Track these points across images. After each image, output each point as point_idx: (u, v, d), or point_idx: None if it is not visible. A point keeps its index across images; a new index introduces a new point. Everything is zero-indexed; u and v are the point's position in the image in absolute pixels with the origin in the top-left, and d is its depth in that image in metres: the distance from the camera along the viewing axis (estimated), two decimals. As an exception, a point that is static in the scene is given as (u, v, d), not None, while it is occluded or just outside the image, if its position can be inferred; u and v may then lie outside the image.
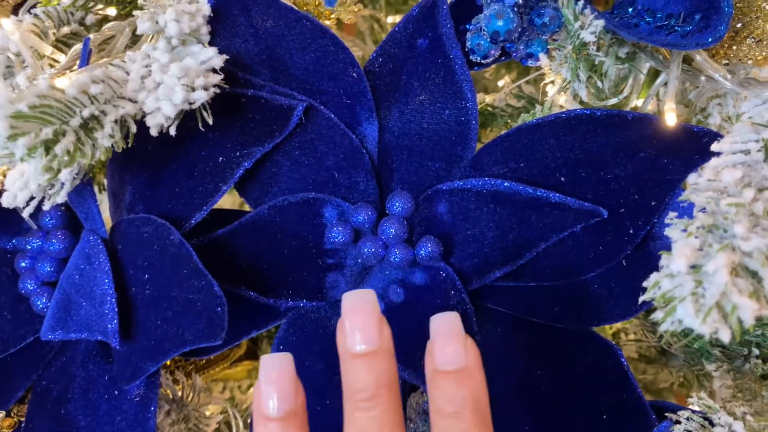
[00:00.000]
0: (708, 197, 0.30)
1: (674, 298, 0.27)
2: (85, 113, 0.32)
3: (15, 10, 0.48)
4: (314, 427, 0.41)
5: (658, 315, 0.28)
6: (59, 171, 0.31)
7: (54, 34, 0.43)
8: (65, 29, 0.44)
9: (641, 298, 0.29)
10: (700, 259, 0.28)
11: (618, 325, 0.58)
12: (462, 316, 0.41)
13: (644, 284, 0.29)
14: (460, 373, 0.33)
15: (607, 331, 0.58)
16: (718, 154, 0.34)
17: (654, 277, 0.29)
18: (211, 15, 0.42)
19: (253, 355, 0.61)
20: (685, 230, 0.29)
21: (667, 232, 0.30)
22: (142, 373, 0.39)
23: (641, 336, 0.55)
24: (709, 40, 0.35)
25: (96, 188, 0.47)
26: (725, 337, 0.26)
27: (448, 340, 0.33)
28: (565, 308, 0.41)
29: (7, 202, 0.36)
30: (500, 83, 0.63)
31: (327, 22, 0.52)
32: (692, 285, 0.27)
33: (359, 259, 0.44)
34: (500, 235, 0.42)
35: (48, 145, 0.30)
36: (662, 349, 0.54)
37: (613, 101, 0.42)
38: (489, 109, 0.53)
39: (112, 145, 0.35)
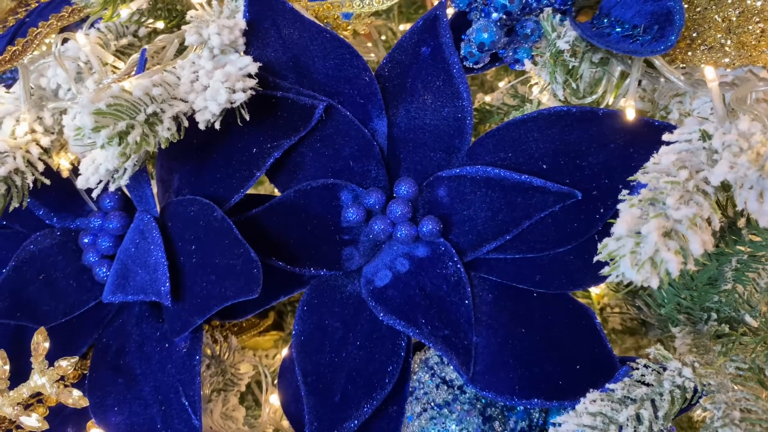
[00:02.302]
0: (652, 177, 0.37)
1: (618, 255, 0.34)
2: (149, 110, 0.40)
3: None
4: (332, 374, 0.49)
5: (605, 269, 0.35)
6: (129, 157, 0.39)
7: (114, 45, 0.51)
8: (123, 41, 0.52)
9: (596, 258, 0.36)
10: (639, 225, 0.35)
11: (605, 299, 0.65)
12: (457, 283, 0.49)
13: (599, 248, 0.36)
14: None
15: (594, 305, 0.65)
16: (668, 144, 0.41)
17: (605, 240, 0.36)
18: (246, 29, 0.50)
19: (278, 326, 0.69)
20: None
21: (619, 206, 0.37)
22: (190, 325, 0.46)
23: (624, 309, 0.62)
24: (661, 47, 0.42)
25: (147, 177, 0.55)
26: (654, 284, 0.33)
27: None
28: (545, 276, 0.48)
29: (81, 183, 0.44)
30: (501, 84, 0.70)
31: (344, 33, 0.60)
32: (632, 245, 0.34)
33: (371, 236, 0.51)
34: (491, 215, 0.49)
35: (122, 136, 0.38)
36: (642, 321, 0.61)
37: (589, 100, 0.49)
38: (487, 107, 0.60)
39: (170, 138, 0.43)
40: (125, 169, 0.45)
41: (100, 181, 0.46)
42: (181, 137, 0.44)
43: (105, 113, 0.38)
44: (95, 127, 0.37)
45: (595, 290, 0.65)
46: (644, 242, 0.34)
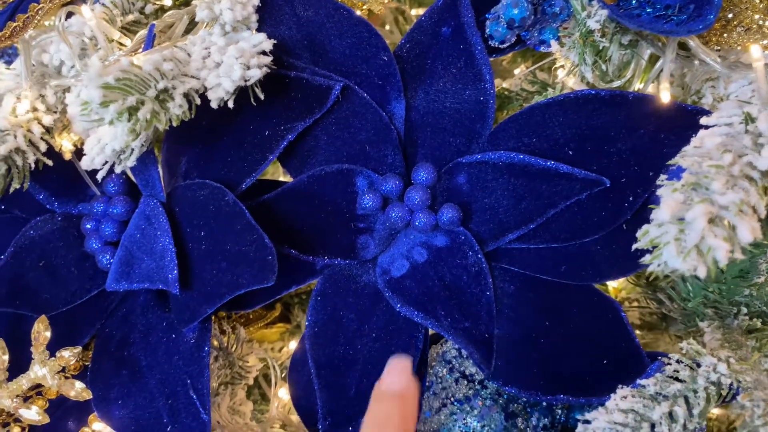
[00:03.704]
0: (693, 161, 0.35)
1: (660, 243, 0.32)
2: (160, 86, 0.38)
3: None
4: (346, 368, 0.46)
5: (646, 258, 0.33)
6: (140, 134, 0.37)
7: (121, 21, 0.49)
8: (130, 17, 0.49)
9: (634, 246, 0.34)
10: (683, 211, 0.33)
11: (623, 293, 0.63)
12: (477, 273, 0.47)
13: (637, 235, 0.34)
14: (399, 396, 0.40)
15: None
16: (707, 128, 0.39)
17: (645, 227, 0.34)
18: (260, 5, 0.48)
19: (285, 318, 0.66)
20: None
21: (659, 192, 0.35)
22: (199, 315, 0.44)
23: (644, 303, 0.60)
24: (700, 27, 0.40)
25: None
26: (702, 273, 0.31)
27: (398, 373, 0.42)
28: (570, 267, 0.46)
29: (86, 164, 0.42)
30: (516, 71, 0.68)
31: (358, 12, 0.58)
32: (676, 231, 0.32)
33: (387, 224, 0.49)
34: (514, 203, 0.47)
35: (132, 112, 0.36)
36: (663, 315, 0.59)
37: (617, 84, 0.47)
38: (506, 92, 0.58)
39: (183, 116, 0.40)
40: (132, 150, 0.43)
41: (106, 162, 0.44)
42: (193, 116, 0.42)
43: (113, 87, 0.36)
44: (103, 101, 0.35)
45: (612, 283, 0.64)
46: (689, 229, 0.32)
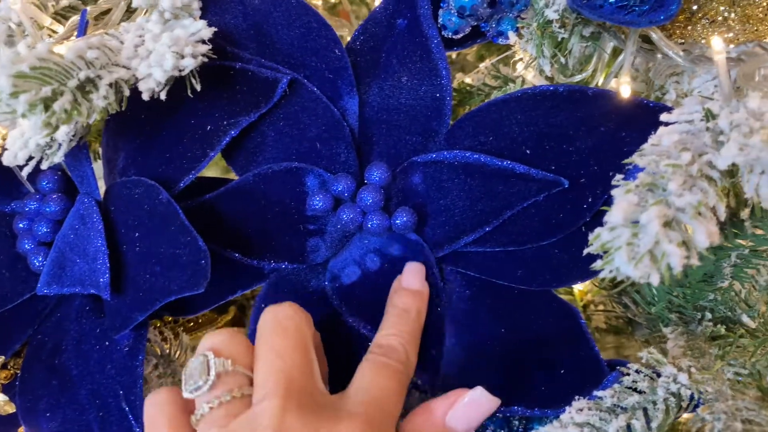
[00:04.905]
0: (650, 160, 0.33)
1: (612, 247, 0.30)
2: (81, 75, 0.35)
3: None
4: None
5: (598, 263, 0.31)
6: (57, 127, 0.34)
7: (53, 6, 0.46)
8: (63, 2, 0.46)
9: (586, 250, 0.32)
10: (637, 213, 0.30)
11: (588, 296, 0.61)
12: (431, 287, 0.44)
13: (590, 239, 0.32)
14: (417, 292, 0.44)
15: (578, 303, 0.61)
16: (667, 125, 0.36)
17: (597, 230, 0.31)
18: (202, -9, 0.45)
19: (239, 322, 0.64)
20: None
21: (613, 192, 0.33)
22: (131, 322, 0.41)
23: (609, 307, 0.58)
24: (661, 17, 0.38)
25: (91, 156, 0.50)
26: (654, 280, 0.29)
27: (415, 273, 0.45)
28: (528, 271, 0.44)
29: (7, 160, 0.39)
30: (482, 65, 0.66)
31: (315, 2, 0.55)
32: (628, 235, 0.30)
33: (339, 226, 0.46)
34: (470, 204, 0.44)
35: (47, 103, 0.33)
36: (629, 319, 0.57)
37: (578, 78, 0.45)
38: (467, 87, 0.56)
39: (107, 109, 0.37)
40: (59, 145, 0.40)
41: (31, 158, 0.41)
42: (122, 108, 0.39)
43: (28, 77, 0.33)
44: (13, 92, 0.32)
45: (578, 286, 0.62)
46: (643, 233, 0.30)
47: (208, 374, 0.35)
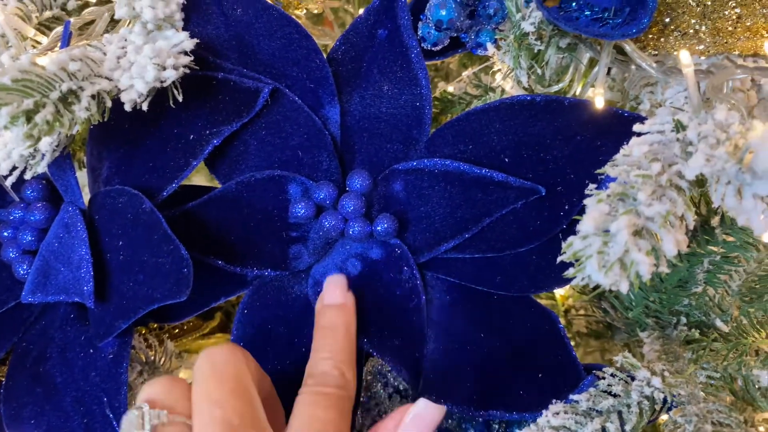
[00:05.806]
0: (621, 170, 0.34)
1: (584, 255, 0.31)
2: (64, 87, 0.35)
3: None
4: (277, 380, 0.44)
5: (570, 271, 0.32)
6: (39, 139, 0.34)
7: (37, 17, 0.46)
8: (47, 13, 0.47)
9: (559, 258, 0.33)
10: (608, 222, 0.31)
11: (570, 301, 0.62)
12: (411, 289, 0.45)
13: (563, 247, 0.33)
14: (341, 306, 0.44)
15: (559, 307, 0.62)
16: (640, 135, 0.37)
17: (570, 239, 0.32)
18: (185, 2, 0.45)
19: (225, 328, 0.64)
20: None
21: (585, 201, 0.34)
22: (115, 330, 0.42)
23: (590, 312, 0.59)
24: (633, 30, 0.39)
25: (76, 165, 0.50)
26: (624, 288, 0.30)
27: (335, 287, 0.45)
28: (506, 277, 0.45)
29: (-9, 170, 0.39)
30: (464, 74, 0.67)
31: (298, 12, 0.56)
32: (599, 244, 0.31)
33: (321, 233, 0.47)
34: (450, 212, 0.45)
35: (29, 115, 0.33)
36: (608, 324, 0.58)
37: (555, 88, 0.46)
38: (449, 96, 0.57)
39: (90, 120, 0.38)
40: (43, 155, 0.41)
41: (15, 168, 0.41)
42: (104, 119, 0.39)
43: (10, 89, 0.33)
44: (-5, 104, 0.32)
45: (559, 291, 0.63)
46: (613, 241, 0.30)
47: (143, 428, 0.34)
